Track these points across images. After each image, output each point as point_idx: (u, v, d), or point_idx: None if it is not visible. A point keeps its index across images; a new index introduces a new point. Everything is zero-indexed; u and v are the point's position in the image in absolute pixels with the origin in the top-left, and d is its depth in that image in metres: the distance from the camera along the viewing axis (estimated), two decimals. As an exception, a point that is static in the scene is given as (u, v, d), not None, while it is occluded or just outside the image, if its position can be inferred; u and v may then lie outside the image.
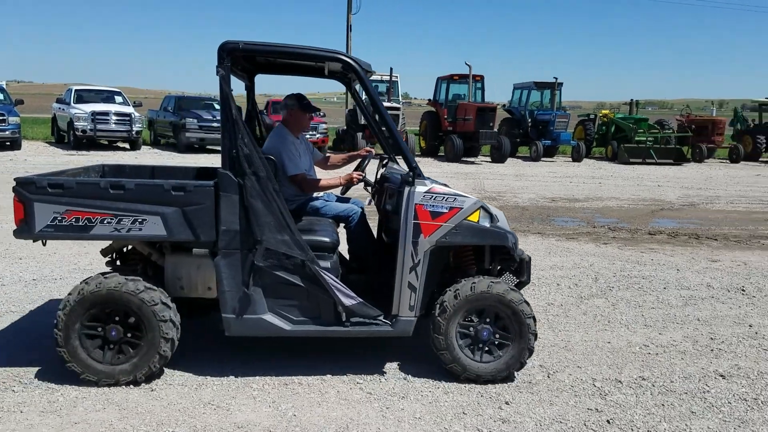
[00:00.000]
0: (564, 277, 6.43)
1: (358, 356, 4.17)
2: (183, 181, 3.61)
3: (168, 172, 4.76)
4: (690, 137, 21.92)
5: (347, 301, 3.74)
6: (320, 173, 4.68)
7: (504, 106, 23.67)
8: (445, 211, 3.77)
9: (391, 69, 21.02)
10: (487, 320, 3.81)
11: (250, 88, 4.66)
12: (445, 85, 21.56)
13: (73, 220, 3.50)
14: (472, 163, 19.78)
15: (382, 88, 22.15)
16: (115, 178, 3.80)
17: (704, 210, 11.54)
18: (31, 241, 3.60)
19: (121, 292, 3.53)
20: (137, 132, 18.84)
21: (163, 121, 20.92)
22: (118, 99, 20.13)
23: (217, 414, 3.36)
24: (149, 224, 3.54)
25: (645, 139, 21.40)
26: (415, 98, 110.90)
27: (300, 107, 4.47)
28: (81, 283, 3.60)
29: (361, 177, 4.42)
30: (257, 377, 3.82)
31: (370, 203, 4.77)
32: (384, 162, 4.75)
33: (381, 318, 3.83)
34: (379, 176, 4.66)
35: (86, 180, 3.67)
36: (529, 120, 22.23)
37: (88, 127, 17.94)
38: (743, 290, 6.08)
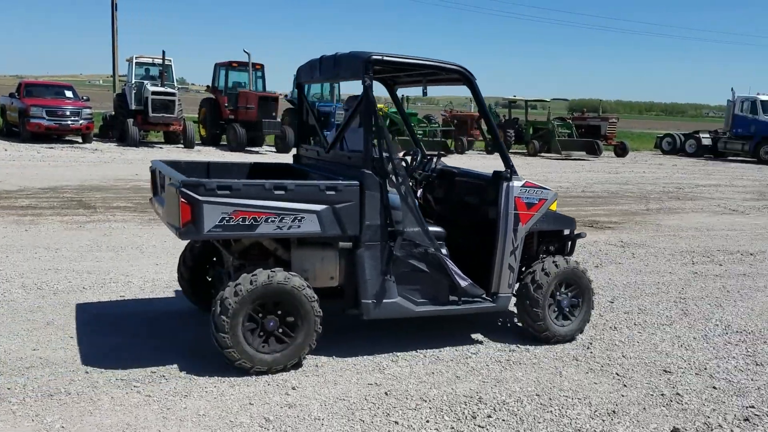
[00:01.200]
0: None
1: (132, 359, 3.93)
2: (334, 182, 3.88)
3: (223, 168, 5.00)
4: (453, 131, 24.10)
5: (462, 283, 4.22)
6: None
7: (286, 96, 23.76)
8: (536, 202, 4.47)
9: (164, 52, 19.92)
10: (567, 291, 4.57)
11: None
12: (224, 71, 20.99)
13: (240, 219, 3.64)
14: (257, 152, 19.57)
15: (154, 71, 20.88)
16: (277, 180, 3.80)
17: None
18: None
19: (287, 287, 3.74)
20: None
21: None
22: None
23: (-37, 439, 2.93)
24: (306, 222, 3.79)
25: (415, 132, 23.03)
26: (193, 84, 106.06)
27: None
28: (248, 275, 3.70)
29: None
30: (16, 390, 3.41)
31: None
32: (434, 159, 5.16)
33: (484, 296, 4.36)
34: (430, 171, 5.08)
35: (252, 182, 3.74)
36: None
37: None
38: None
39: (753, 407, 3.69)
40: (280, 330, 3.80)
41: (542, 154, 24.20)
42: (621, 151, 25.67)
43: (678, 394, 3.84)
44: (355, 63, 4.05)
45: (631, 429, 3.38)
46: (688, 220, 10.52)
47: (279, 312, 3.79)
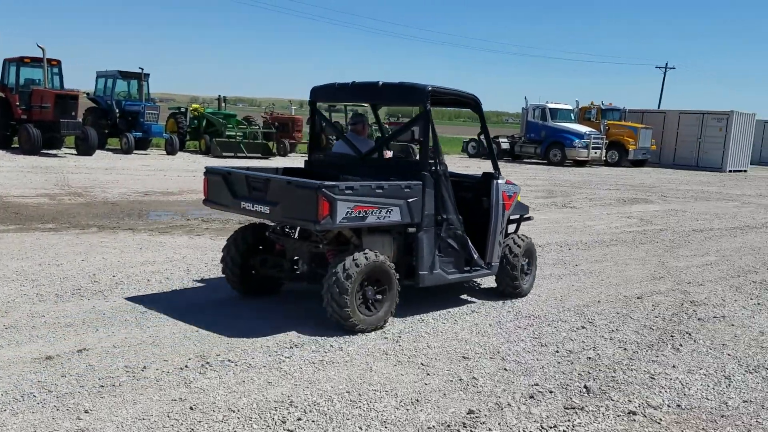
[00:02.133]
0: (155, 272, 6.34)
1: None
2: (409, 182, 4.97)
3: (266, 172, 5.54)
4: (274, 133, 23.90)
5: (475, 255, 5.55)
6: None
7: (88, 94, 21.92)
8: (512, 194, 5.95)
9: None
10: (525, 258, 6.12)
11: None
12: (14, 67, 18.85)
13: (357, 212, 4.62)
14: (55, 155, 17.83)
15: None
16: (376, 181, 4.81)
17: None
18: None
19: (382, 264, 4.83)
20: None
21: None
22: None
23: None
24: (393, 213, 4.87)
25: (235, 134, 22.51)
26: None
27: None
28: (353, 258, 4.67)
29: None
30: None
31: None
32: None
33: (483, 265, 5.67)
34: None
35: (364, 183, 4.74)
36: (117, 111, 21.15)
37: None
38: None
39: (537, 385, 4.10)
40: (376, 297, 4.88)
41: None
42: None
43: (474, 378, 4.15)
44: (419, 94, 5.24)
45: (432, 415, 3.59)
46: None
47: (374, 285, 4.86)
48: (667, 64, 55.73)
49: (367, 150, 5.82)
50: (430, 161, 5.19)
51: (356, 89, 5.77)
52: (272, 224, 5.48)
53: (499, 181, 5.84)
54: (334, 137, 7.93)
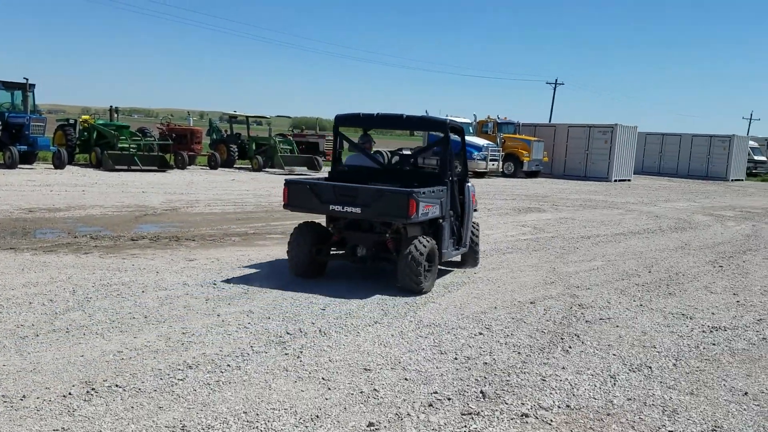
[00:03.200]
0: (38, 294, 5.93)
1: None
2: (441, 187, 6.94)
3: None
4: (171, 145, 23.07)
5: (463, 238, 7.57)
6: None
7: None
8: (474, 193, 7.82)
9: None
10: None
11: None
12: None
13: (426, 210, 6.57)
14: None
15: None
16: (430, 187, 6.81)
17: (185, 213, 12.33)
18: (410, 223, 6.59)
19: (434, 246, 6.74)
20: None
21: None
22: None
23: None
24: (437, 209, 6.82)
25: (128, 146, 21.54)
26: None
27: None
28: (420, 242, 6.56)
29: None
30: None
31: None
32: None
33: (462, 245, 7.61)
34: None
35: (429, 189, 6.70)
36: (0, 123, 19.70)
37: None
38: (215, 284, 6.74)
39: (436, 392, 4.17)
40: (428, 270, 6.66)
41: (266, 169, 24.56)
42: (337, 166, 27.28)
43: (375, 389, 4.16)
44: (441, 125, 7.54)
45: (331, 431, 3.56)
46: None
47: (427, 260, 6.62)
48: (556, 80, 59.18)
49: (381, 161, 7.88)
50: (448, 172, 7.15)
51: (381, 119, 7.67)
52: (333, 221, 7.22)
53: (469, 184, 7.73)
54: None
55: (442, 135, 7.39)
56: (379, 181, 7.38)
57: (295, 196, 6.98)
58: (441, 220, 7.01)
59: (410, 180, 7.23)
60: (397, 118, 7.56)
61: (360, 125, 8.03)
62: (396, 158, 8.01)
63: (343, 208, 6.60)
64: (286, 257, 7.24)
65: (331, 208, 6.70)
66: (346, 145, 8.09)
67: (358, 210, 6.55)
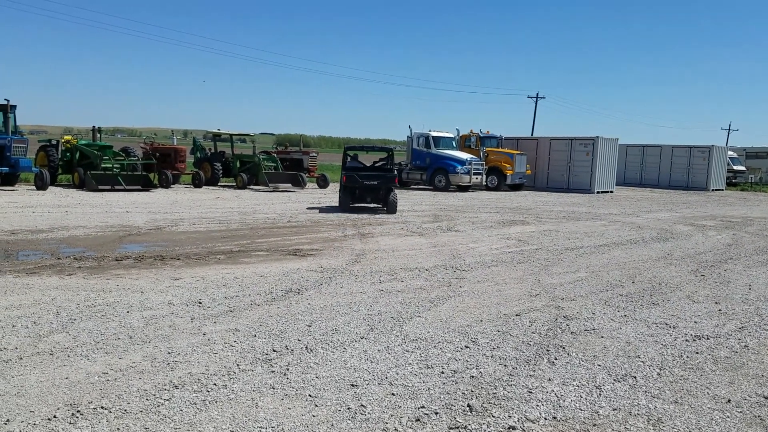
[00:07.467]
0: (21, 317, 5.87)
1: None
2: (393, 173, 18.06)
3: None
4: (155, 164, 22.99)
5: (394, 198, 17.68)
6: None
7: None
8: (396, 178, 18.47)
9: None
10: None
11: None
12: None
13: (395, 182, 17.84)
14: None
15: None
16: (392, 173, 18.35)
17: (170, 232, 12.25)
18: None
19: (396, 195, 17.90)
20: None
21: None
22: None
23: None
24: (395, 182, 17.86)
25: (112, 165, 21.44)
26: None
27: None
28: (394, 193, 17.40)
29: None
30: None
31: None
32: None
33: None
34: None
35: (393, 174, 17.75)
36: (-20, 145, 19.56)
37: None
38: (200, 302, 6.71)
39: (423, 407, 4.19)
40: (395, 201, 17.72)
41: (251, 187, 24.51)
42: (323, 182, 27.33)
43: (362, 405, 4.17)
44: (388, 149, 19.00)
45: (319, 447, 3.56)
46: (378, 244, 11.63)
47: None
48: (537, 93, 59.87)
49: (371, 164, 18.56)
50: (393, 167, 18.08)
51: (361, 147, 19.64)
52: (360, 182, 17.10)
53: (395, 172, 17.79)
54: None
55: (386, 154, 18.58)
56: (367, 173, 17.44)
57: (350, 179, 16.87)
58: (393, 186, 17.11)
59: (379, 172, 17.62)
60: (369, 147, 19.14)
61: (354, 150, 18.77)
62: (371, 164, 18.33)
63: (368, 182, 17.02)
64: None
65: (363, 182, 16.99)
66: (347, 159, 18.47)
67: (375, 182, 17.05)
